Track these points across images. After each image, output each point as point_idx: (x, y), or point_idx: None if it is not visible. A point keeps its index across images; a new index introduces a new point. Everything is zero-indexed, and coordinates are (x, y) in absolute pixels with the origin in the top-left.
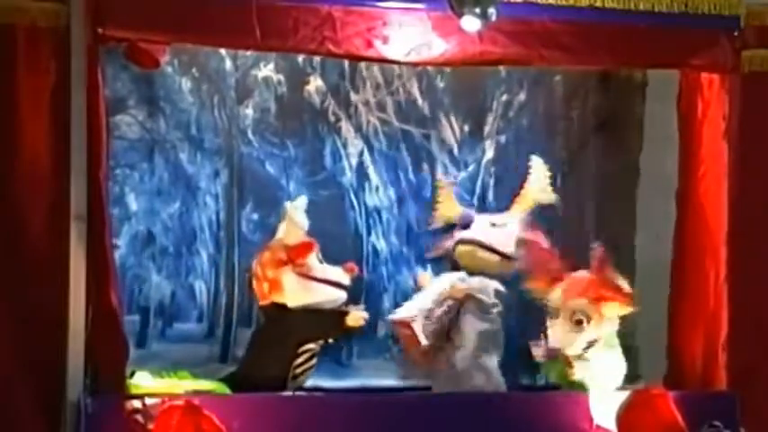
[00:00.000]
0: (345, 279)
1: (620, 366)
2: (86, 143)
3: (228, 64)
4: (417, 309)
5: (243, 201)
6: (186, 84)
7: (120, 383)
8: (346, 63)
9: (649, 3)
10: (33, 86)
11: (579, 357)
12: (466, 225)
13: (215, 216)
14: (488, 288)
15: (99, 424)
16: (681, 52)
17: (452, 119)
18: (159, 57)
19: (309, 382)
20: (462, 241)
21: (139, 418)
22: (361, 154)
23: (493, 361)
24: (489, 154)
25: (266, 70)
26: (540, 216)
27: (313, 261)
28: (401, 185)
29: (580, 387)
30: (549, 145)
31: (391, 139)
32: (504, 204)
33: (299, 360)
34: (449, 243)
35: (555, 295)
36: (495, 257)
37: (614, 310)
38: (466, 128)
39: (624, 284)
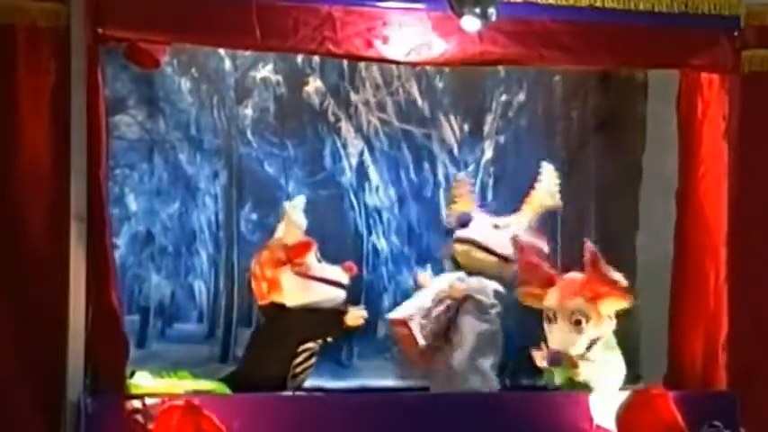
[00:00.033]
0: (344, 278)
1: (621, 367)
2: (86, 143)
3: (228, 64)
4: (415, 307)
5: (242, 201)
6: (185, 84)
7: (120, 383)
8: (345, 63)
9: (649, 3)
10: (33, 86)
11: (582, 357)
12: (464, 224)
13: (214, 216)
14: (487, 289)
15: (99, 424)
16: (681, 52)
17: (452, 119)
18: (159, 57)
19: (309, 383)
20: (459, 240)
21: (139, 418)
22: (361, 154)
23: (489, 362)
24: (488, 154)
25: (265, 71)
26: (540, 216)
27: (311, 260)
28: (402, 185)
29: (583, 387)
30: (548, 145)
31: (392, 138)
32: (503, 204)
33: (299, 359)
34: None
35: (551, 298)
36: (492, 258)
37: (612, 306)
38: (466, 128)
39: (620, 278)
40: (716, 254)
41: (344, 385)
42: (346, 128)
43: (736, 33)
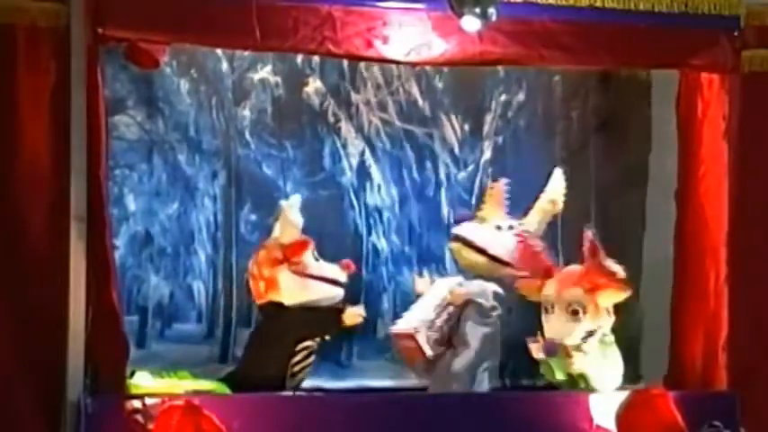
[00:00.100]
0: (342, 276)
1: (618, 365)
2: (86, 143)
3: (225, 65)
4: (419, 320)
5: (241, 202)
6: (184, 85)
7: (120, 383)
8: (345, 64)
9: (649, 3)
10: (33, 86)
11: (578, 348)
12: (459, 221)
13: (213, 217)
14: (487, 291)
15: (99, 424)
16: (681, 52)
17: (453, 119)
18: (159, 57)
19: (309, 383)
20: (452, 237)
21: (139, 418)
22: (362, 154)
23: (490, 364)
24: (488, 154)
25: (264, 72)
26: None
27: (309, 259)
28: (404, 185)
29: (582, 380)
30: (548, 145)
31: (394, 138)
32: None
33: (297, 358)
34: None
35: (549, 289)
36: (482, 258)
37: (610, 299)
38: (466, 127)
39: (618, 270)
40: (716, 254)
41: (344, 385)
42: (346, 128)
43: (736, 33)
